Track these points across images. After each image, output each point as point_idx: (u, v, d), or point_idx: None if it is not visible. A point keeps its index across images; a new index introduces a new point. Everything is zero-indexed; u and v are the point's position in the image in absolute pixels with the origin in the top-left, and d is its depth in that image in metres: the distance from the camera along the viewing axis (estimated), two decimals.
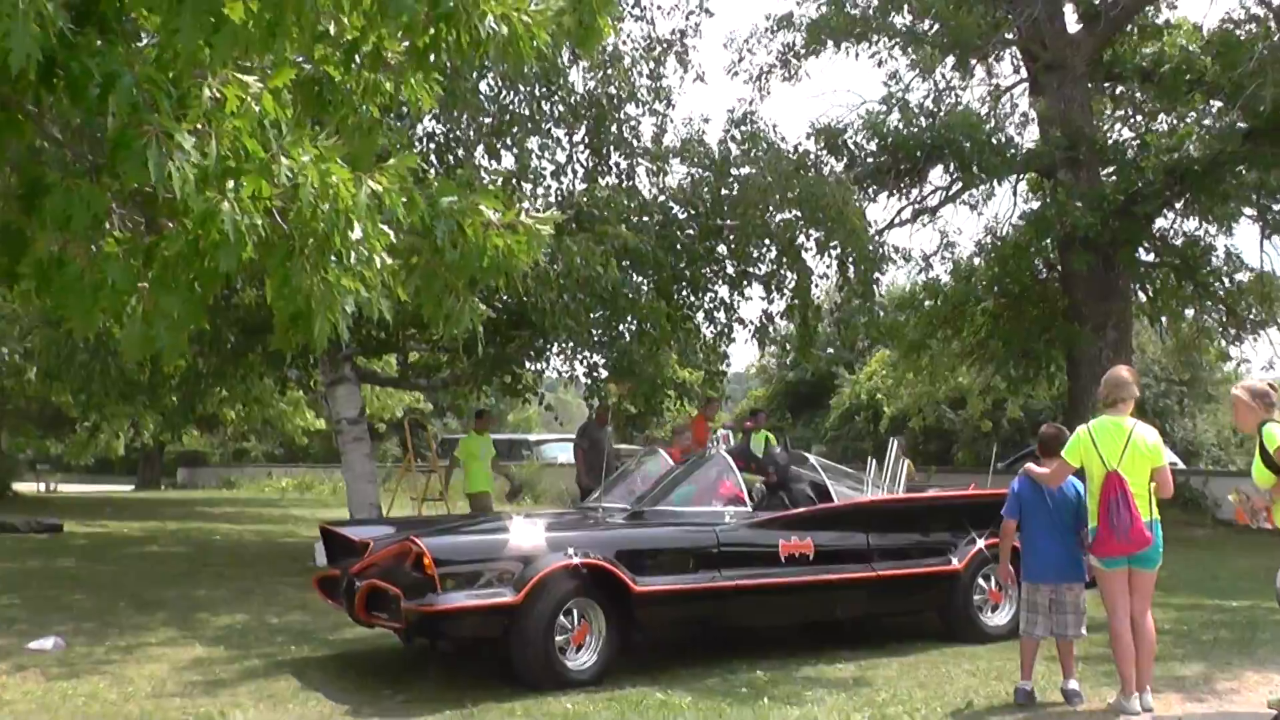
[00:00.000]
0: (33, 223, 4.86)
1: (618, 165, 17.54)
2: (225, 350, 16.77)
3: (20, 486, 37.96)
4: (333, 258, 4.93)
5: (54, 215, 4.62)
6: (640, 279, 16.47)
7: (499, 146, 16.41)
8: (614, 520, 10.25)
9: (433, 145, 16.63)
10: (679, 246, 16.73)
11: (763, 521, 10.14)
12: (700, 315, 18.26)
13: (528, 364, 18.65)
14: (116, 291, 4.82)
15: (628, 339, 16.54)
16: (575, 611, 8.85)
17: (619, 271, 15.29)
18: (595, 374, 17.41)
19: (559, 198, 16.60)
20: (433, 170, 15.58)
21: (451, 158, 16.23)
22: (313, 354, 13.44)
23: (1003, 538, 8.80)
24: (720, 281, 17.90)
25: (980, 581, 10.91)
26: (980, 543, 10.84)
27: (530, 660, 8.60)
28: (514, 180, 16.08)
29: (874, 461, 11.95)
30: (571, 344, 16.46)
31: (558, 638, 8.72)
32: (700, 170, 17.41)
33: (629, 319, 16.20)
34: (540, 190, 16.96)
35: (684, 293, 17.72)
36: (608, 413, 18.34)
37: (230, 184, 4.61)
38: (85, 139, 5.13)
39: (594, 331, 16.15)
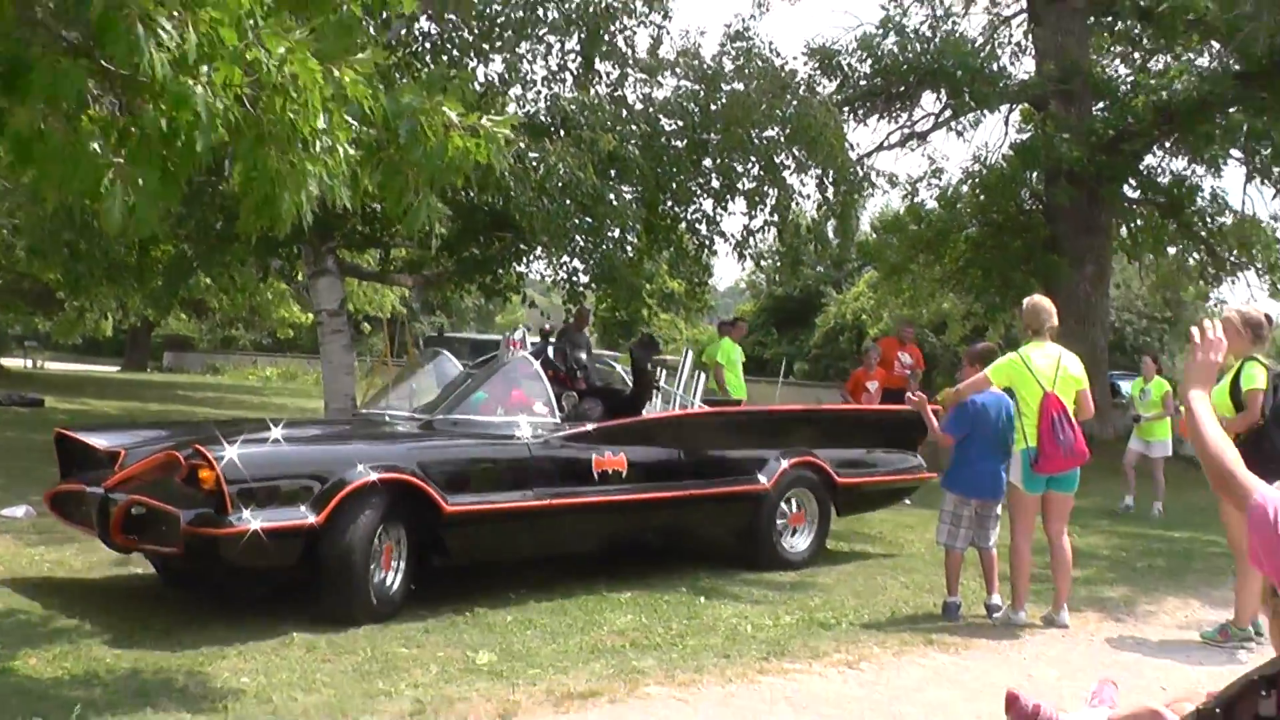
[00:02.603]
0: (13, 99, 5.08)
1: (608, 75, 17.68)
2: (210, 236, 16.95)
3: (7, 362, 38.23)
4: (299, 144, 5.17)
5: (39, 89, 4.82)
6: (626, 188, 16.65)
7: (489, 50, 16.53)
8: (411, 430, 9.18)
9: (428, 46, 16.76)
10: (665, 158, 16.90)
11: (575, 435, 9.26)
12: (683, 227, 18.44)
13: (513, 266, 18.86)
14: (94, 164, 5.03)
15: (609, 246, 16.75)
16: (381, 533, 7.83)
17: (603, 179, 15.50)
18: (575, 279, 17.65)
19: (548, 103, 16.73)
20: (425, 71, 15.67)
21: (446, 59, 16.36)
22: (278, 236, 13.62)
23: (939, 443, 9.19)
24: (704, 195, 18.07)
25: (783, 505, 10.46)
26: (785, 462, 10.36)
27: (340, 588, 7.59)
28: (500, 85, 16.28)
29: (664, 372, 11.54)
30: (553, 248, 16.66)
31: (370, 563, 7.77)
32: (691, 83, 17.53)
33: (611, 226, 16.37)
34: (530, 95, 17.16)
35: (668, 204, 17.90)
36: (587, 317, 18.61)
37: (204, 70, 4.85)
38: (67, 21, 5.32)
39: (576, 237, 16.35)
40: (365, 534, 7.61)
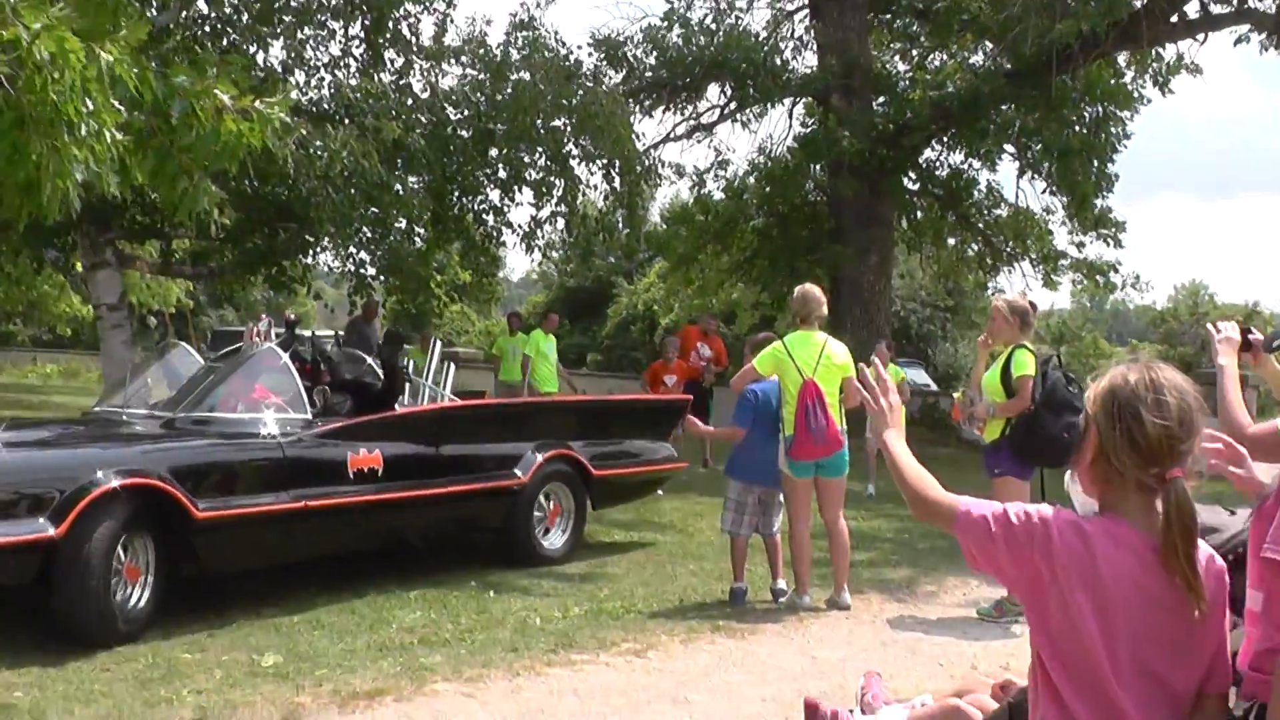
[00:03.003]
0: None
1: (393, 62, 17.49)
2: None
3: None
4: (63, 127, 4.95)
5: None
6: (413, 178, 16.52)
7: (268, 35, 16.21)
8: (153, 431, 8.41)
9: (207, 29, 16.36)
10: (452, 148, 16.79)
11: (329, 431, 8.67)
12: (470, 218, 18.34)
13: (299, 257, 18.58)
14: None
15: (396, 238, 16.59)
16: (125, 544, 7.14)
17: (389, 168, 15.33)
18: (362, 271, 17.44)
19: (331, 90, 16.49)
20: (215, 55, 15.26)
21: (225, 43, 15.98)
22: (49, 224, 13.05)
23: (730, 439, 9.19)
24: (491, 185, 18.01)
25: (540, 499, 10.11)
26: (540, 456, 9.97)
27: (82, 608, 6.85)
28: (281, 71, 15.99)
29: (412, 364, 10.84)
30: (339, 239, 16.44)
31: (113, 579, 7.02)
32: (477, 72, 17.45)
33: (397, 217, 16.20)
34: (313, 82, 16.90)
35: (456, 195, 17.79)
36: (376, 309, 18.41)
37: None
38: None
39: (362, 228, 16.16)
40: (105, 546, 6.89)
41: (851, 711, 5.03)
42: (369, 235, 16.54)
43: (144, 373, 9.99)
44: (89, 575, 6.80)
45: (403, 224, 16.69)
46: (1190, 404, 2.84)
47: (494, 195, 18.19)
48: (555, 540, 10.24)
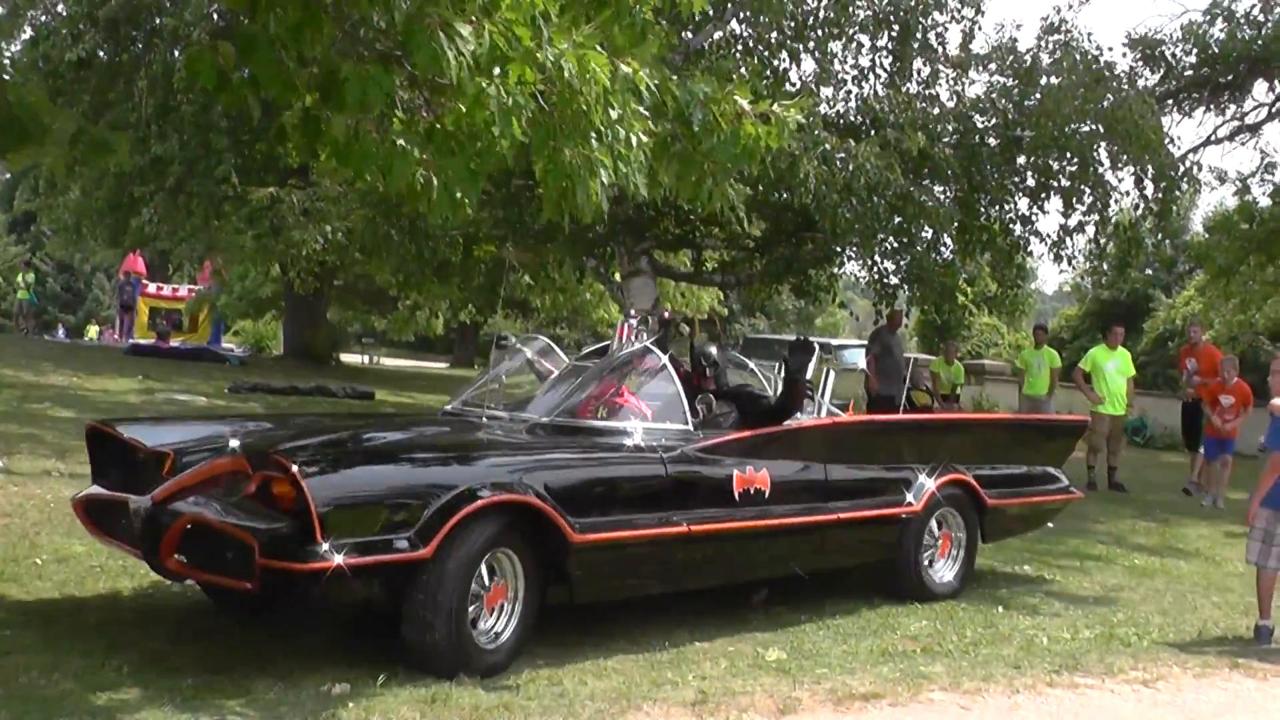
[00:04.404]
0: (328, 109, 5.38)
1: (919, 72, 17.46)
2: (528, 237, 17.52)
3: (346, 357, 39.99)
4: (592, 136, 5.34)
5: (353, 98, 5.11)
6: (939, 188, 16.46)
7: (800, 50, 16.58)
8: (519, 439, 7.41)
9: (739, 48, 16.93)
10: (979, 156, 16.62)
11: (712, 446, 7.63)
12: (997, 227, 18.04)
13: (825, 267, 18.94)
14: (405, 162, 5.30)
15: (921, 248, 16.54)
16: (488, 567, 6.33)
17: (915, 179, 15.36)
18: (887, 280, 17.51)
19: (858, 103, 16.69)
20: (740, 71, 15.78)
21: (755, 59, 16.48)
22: (590, 235, 13.68)
23: (1270, 472, 8.28)
24: (1019, 193, 17.67)
25: (932, 526, 9.01)
26: (931, 481, 8.90)
27: (440, 635, 6.02)
28: (813, 84, 16.33)
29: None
30: (863, 249, 16.59)
31: (470, 604, 6.20)
32: (1006, 79, 17.18)
33: (922, 227, 16.13)
34: (840, 95, 17.14)
35: (983, 204, 17.58)
36: (900, 318, 18.39)
37: (497, 70, 5.06)
38: (376, 32, 5.60)
39: (886, 239, 16.23)
40: (467, 569, 6.10)
41: None
42: (893, 245, 16.58)
43: (504, 369, 8.87)
44: (448, 600, 6.05)
45: (928, 234, 16.62)
46: None
47: (1022, 204, 17.85)
48: (945, 573, 9.13)
